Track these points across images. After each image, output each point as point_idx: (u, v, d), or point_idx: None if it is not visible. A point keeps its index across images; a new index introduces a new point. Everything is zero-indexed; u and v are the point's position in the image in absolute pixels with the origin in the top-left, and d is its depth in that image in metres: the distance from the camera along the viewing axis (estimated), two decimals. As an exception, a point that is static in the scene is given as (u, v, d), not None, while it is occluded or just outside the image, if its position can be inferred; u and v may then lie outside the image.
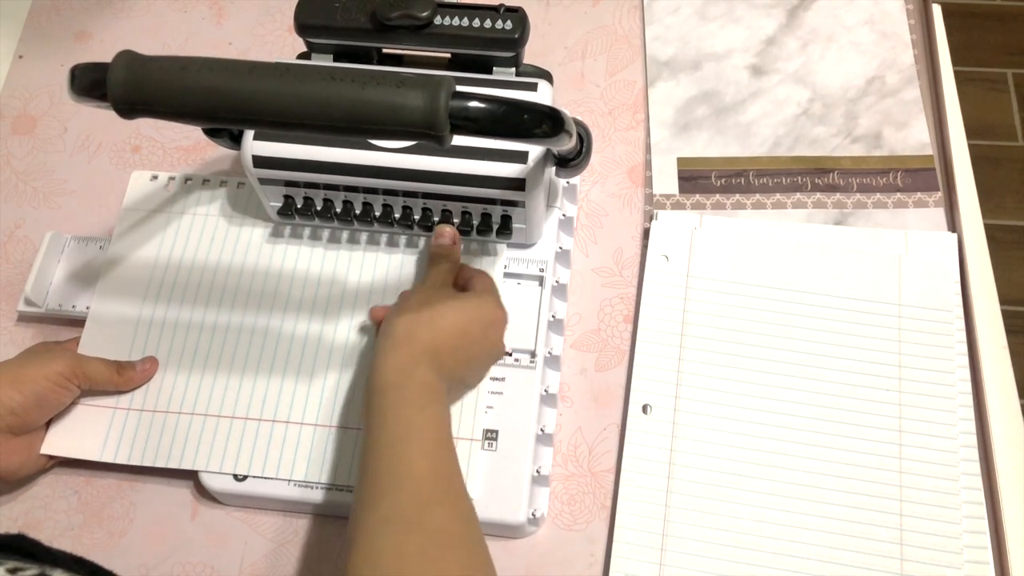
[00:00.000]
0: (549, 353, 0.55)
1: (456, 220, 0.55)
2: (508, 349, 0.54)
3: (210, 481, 0.52)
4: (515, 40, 0.52)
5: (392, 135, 0.39)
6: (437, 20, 0.52)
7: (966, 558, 0.50)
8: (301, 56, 0.56)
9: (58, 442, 0.54)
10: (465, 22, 0.52)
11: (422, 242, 0.58)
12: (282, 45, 0.70)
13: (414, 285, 0.55)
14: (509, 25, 0.52)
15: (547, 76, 0.55)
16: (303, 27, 0.53)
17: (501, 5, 0.52)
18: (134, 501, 0.55)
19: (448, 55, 0.55)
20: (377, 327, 0.51)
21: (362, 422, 0.47)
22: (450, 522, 0.42)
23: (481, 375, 0.53)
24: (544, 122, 0.42)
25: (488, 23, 0.52)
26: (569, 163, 0.51)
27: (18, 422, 0.51)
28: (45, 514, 0.55)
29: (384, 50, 0.56)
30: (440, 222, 0.55)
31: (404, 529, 0.41)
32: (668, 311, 0.57)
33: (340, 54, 0.55)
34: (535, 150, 0.51)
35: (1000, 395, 0.54)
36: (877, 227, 0.60)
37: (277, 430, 0.53)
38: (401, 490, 0.42)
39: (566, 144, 0.44)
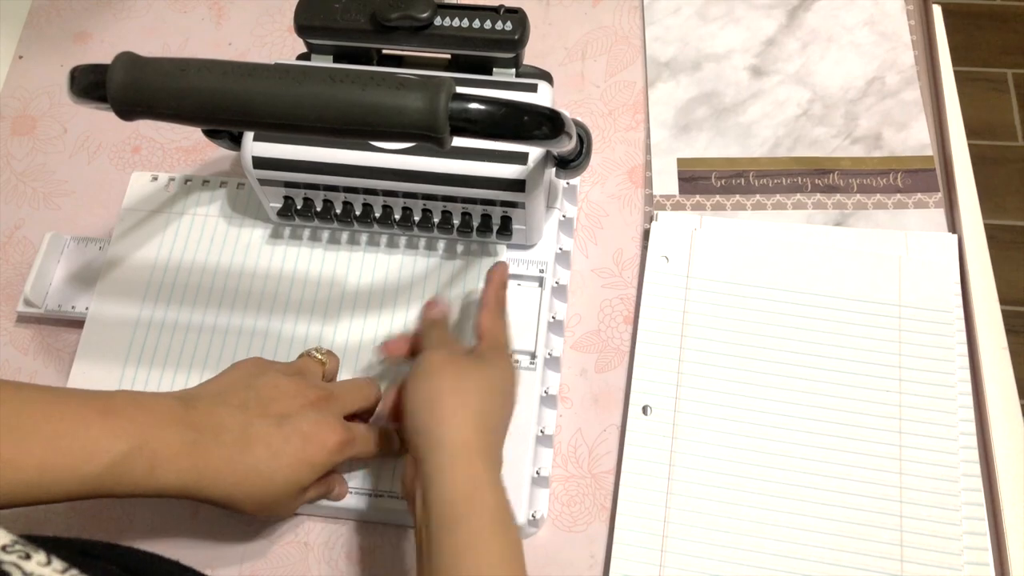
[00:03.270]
0: (549, 354, 0.55)
1: (456, 221, 0.55)
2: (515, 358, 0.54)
3: (210, 482, 0.52)
4: (515, 41, 0.52)
5: (392, 137, 0.39)
6: (437, 21, 0.52)
7: (966, 558, 0.50)
8: (301, 57, 0.56)
9: None
10: (465, 23, 0.52)
11: (422, 243, 0.58)
12: (282, 45, 0.70)
13: (425, 354, 0.48)
14: (509, 26, 0.52)
15: (547, 77, 0.55)
16: (303, 28, 0.53)
17: (501, 6, 0.52)
18: (134, 502, 0.55)
19: (448, 56, 0.55)
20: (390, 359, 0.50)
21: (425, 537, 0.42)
22: None
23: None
24: (544, 124, 0.42)
25: (488, 24, 0.52)
26: (569, 164, 0.51)
27: None
28: (45, 515, 0.55)
29: (384, 51, 0.55)
30: (440, 224, 0.55)
31: None
32: (668, 312, 0.57)
33: (340, 55, 0.55)
34: (535, 151, 0.51)
35: (1000, 395, 0.54)
36: (877, 228, 0.60)
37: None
38: None
39: (566, 145, 0.44)
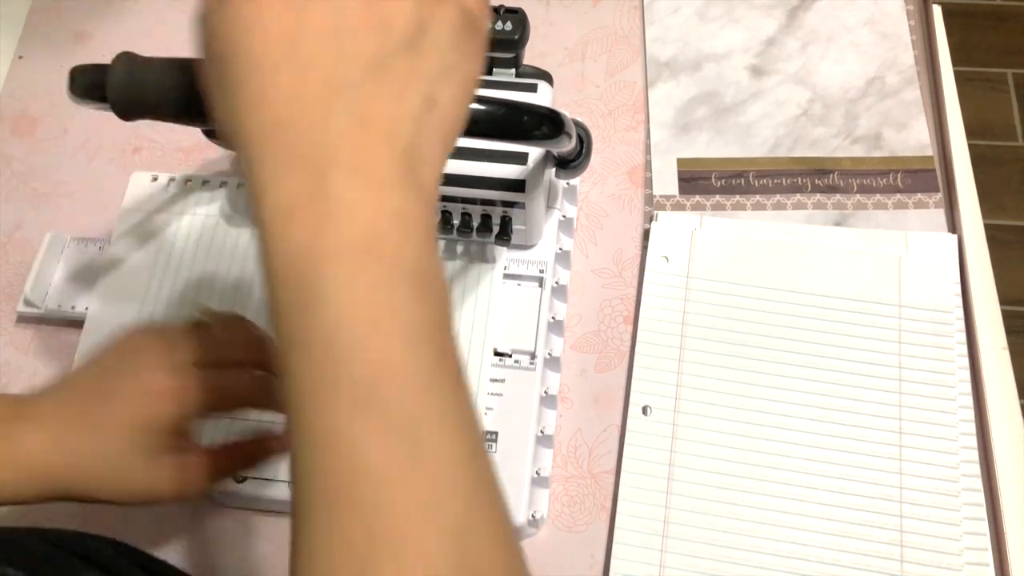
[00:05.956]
0: (549, 354, 0.55)
1: (456, 221, 0.55)
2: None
3: (210, 482, 0.52)
4: (515, 41, 0.52)
5: None
6: (437, 21, 0.52)
7: (966, 559, 0.50)
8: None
9: None
10: (465, 23, 0.52)
11: (422, 243, 0.58)
12: (282, 46, 0.70)
13: None
14: (509, 26, 0.52)
15: (547, 77, 0.55)
16: (303, 28, 0.53)
17: (501, 6, 0.52)
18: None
19: (448, 56, 0.54)
20: None
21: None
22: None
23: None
24: (544, 123, 0.42)
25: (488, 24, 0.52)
26: (569, 164, 0.51)
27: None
28: (44, 516, 0.54)
29: (384, 51, 0.55)
30: (440, 224, 0.55)
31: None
32: (668, 312, 0.57)
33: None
34: (535, 151, 0.51)
35: (1000, 395, 0.54)
36: (877, 228, 0.60)
37: (276, 432, 0.53)
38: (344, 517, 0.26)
39: (566, 145, 0.44)
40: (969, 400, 0.54)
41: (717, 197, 0.62)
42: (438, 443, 0.26)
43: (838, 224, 0.61)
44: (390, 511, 0.25)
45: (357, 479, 0.25)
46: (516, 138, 0.41)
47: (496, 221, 0.54)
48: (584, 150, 0.51)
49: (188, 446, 0.43)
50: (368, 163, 0.27)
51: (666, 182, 0.63)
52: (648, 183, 0.63)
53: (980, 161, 0.61)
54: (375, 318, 0.26)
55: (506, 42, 0.52)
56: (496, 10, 0.52)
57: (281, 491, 0.52)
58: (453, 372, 0.27)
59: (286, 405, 0.27)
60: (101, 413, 0.40)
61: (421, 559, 0.25)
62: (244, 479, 0.52)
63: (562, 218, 0.58)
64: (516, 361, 0.54)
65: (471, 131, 0.39)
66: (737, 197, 0.62)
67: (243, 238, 0.58)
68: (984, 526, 0.50)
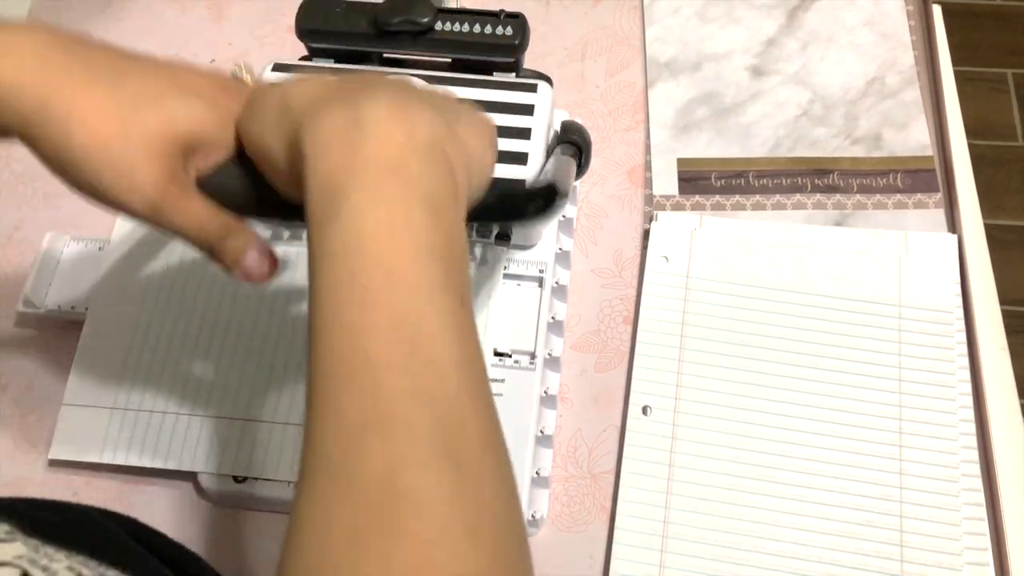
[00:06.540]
0: (549, 355, 0.55)
1: (456, 222, 0.54)
2: (509, 351, 0.54)
3: (209, 483, 0.52)
4: (515, 46, 0.52)
5: None
6: (438, 26, 0.52)
7: (966, 559, 0.50)
8: (302, 59, 0.56)
9: (63, 447, 0.54)
10: (465, 28, 0.52)
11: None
12: (281, 46, 0.70)
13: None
14: (509, 31, 0.52)
15: (547, 79, 0.55)
16: (304, 31, 0.53)
17: (501, 11, 0.52)
18: (133, 503, 0.55)
19: (448, 59, 0.55)
20: None
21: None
22: (445, 478, 0.28)
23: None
24: (536, 199, 0.42)
25: (488, 29, 0.52)
26: (569, 166, 0.51)
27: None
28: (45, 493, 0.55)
29: (385, 54, 0.56)
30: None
31: (336, 489, 0.27)
32: (668, 312, 0.57)
33: (341, 58, 0.55)
34: (536, 152, 0.51)
35: (1000, 395, 0.54)
36: (877, 228, 0.60)
37: (276, 431, 0.53)
38: (347, 406, 0.29)
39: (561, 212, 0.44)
40: (969, 400, 0.54)
41: (717, 197, 0.62)
42: (436, 343, 0.30)
43: (838, 224, 0.61)
44: (384, 395, 0.28)
45: (358, 365, 0.29)
46: (512, 219, 0.41)
47: (496, 222, 0.54)
48: (584, 157, 0.51)
49: (186, 173, 0.37)
50: (403, 109, 0.32)
51: (666, 182, 0.63)
52: (648, 183, 0.63)
53: (980, 161, 0.61)
54: (391, 229, 0.30)
55: (506, 47, 0.52)
56: (496, 14, 0.52)
57: (281, 491, 0.52)
58: (458, 291, 0.31)
59: (309, 309, 0.30)
60: (120, 73, 0.35)
61: (406, 435, 0.28)
62: (244, 479, 0.52)
63: (562, 218, 0.59)
64: (516, 361, 0.54)
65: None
66: (737, 197, 0.62)
67: (243, 238, 0.58)
68: (984, 526, 0.51)
